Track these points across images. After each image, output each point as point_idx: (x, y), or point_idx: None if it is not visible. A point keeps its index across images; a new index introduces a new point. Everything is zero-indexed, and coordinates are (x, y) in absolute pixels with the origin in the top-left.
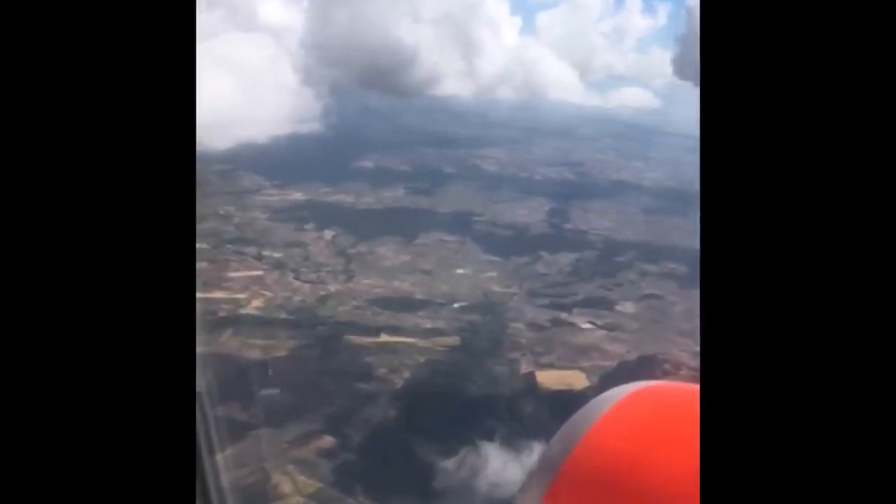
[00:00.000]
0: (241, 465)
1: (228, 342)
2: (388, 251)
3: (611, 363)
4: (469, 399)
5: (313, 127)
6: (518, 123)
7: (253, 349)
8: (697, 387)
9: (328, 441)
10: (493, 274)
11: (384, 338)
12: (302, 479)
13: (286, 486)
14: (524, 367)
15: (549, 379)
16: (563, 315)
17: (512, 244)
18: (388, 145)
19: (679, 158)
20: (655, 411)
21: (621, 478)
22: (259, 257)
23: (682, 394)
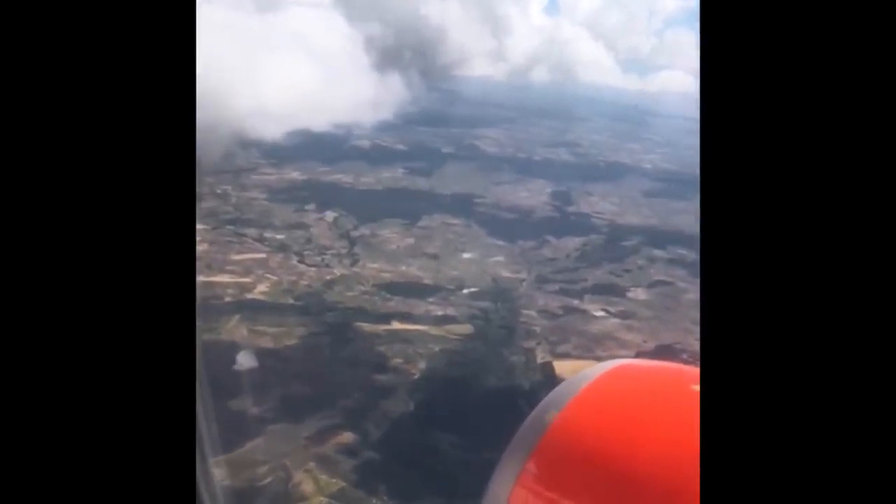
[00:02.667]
0: (261, 463)
1: (236, 329)
2: (392, 234)
3: (628, 353)
4: (488, 391)
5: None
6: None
7: (262, 337)
8: (672, 365)
9: (348, 437)
10: (501, 258)
11: (396, 325)
12: (324, 477)
13: (308, 486)
14: (541, 357)
15: (568, 369)
16: (575, 302)
17: (517, 227)
18: (382, 124)
19: (676, 140)
20: (630, 389)
21: (595, 455)
22: (261, 239)
23: (656, 372)
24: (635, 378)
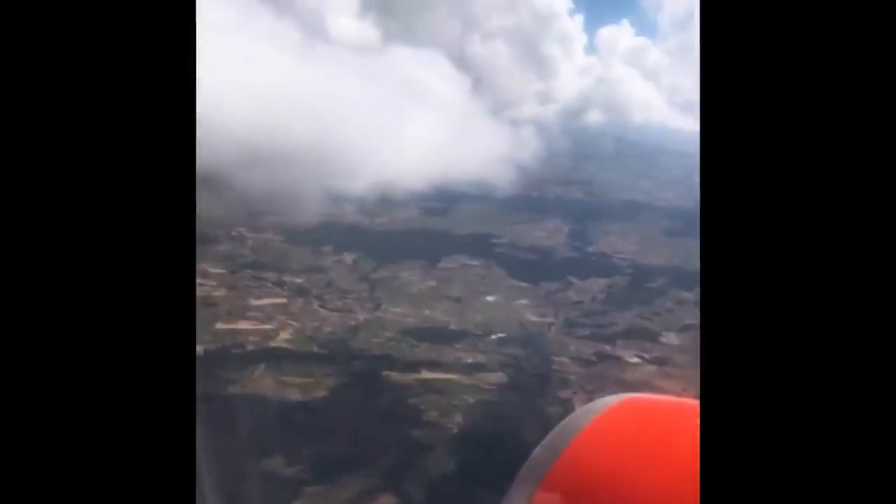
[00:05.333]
0: None
1: (262, 380)
2: (413, 276)
3: None
4: (529, 445)
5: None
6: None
7: (290, 388)
8: (680, 399)
9: (389, 500)
10: (525, 301)
11: (426, 374)
12: None
13: None
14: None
15: None
16: (608, 348)
17: (538, 269)
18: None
19: (684, 177)
20: (639, 422)
21: (604, 486)
22: (280, 283)
23: (664, 406)
24: (643, 411)
